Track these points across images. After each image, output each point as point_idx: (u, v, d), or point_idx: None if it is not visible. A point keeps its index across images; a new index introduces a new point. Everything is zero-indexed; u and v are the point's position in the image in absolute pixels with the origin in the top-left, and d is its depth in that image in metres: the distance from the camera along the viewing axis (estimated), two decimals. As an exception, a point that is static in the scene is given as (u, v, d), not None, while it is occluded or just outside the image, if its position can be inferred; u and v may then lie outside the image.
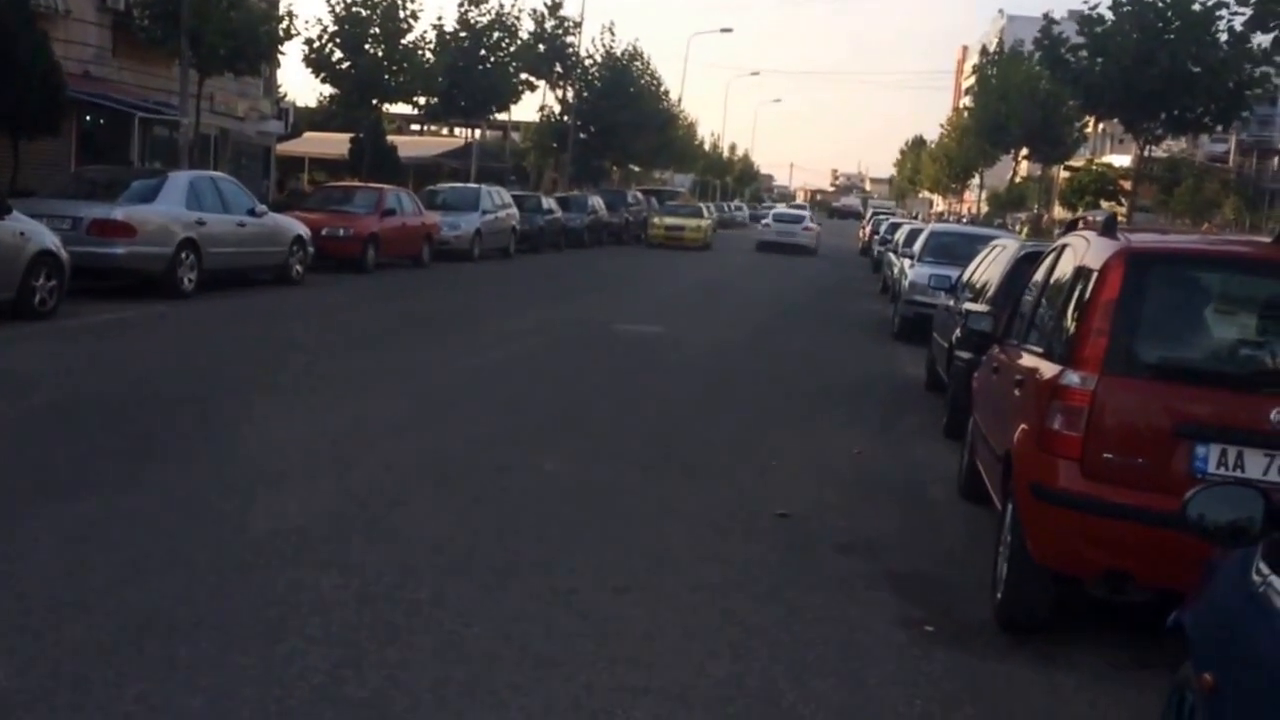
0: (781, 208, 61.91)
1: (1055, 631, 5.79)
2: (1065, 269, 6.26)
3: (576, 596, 5.68)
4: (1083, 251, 5.93)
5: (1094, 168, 59.67)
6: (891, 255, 25.48)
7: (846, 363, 15.09)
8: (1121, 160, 63.10)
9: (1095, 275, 5.53)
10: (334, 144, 38.96)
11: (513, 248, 29.90)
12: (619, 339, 15.51)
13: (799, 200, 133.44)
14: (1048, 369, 5.69)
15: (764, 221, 47.32)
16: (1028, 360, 6.23)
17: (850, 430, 10.49)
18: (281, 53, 28.75)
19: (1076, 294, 5.75)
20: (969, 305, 11.12)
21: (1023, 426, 5.79)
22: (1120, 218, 42.71)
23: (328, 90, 33.72)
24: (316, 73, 32.50)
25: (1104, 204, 57.39)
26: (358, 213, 23.06)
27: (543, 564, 6.11)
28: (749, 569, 6.34)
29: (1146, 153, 38.94)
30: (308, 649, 4.82)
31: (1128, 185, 55.78)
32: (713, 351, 14.97)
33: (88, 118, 26.56)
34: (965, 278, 12.66)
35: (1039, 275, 7.10)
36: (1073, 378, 5.37)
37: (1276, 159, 72.21)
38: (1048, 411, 5.43)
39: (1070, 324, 5.68)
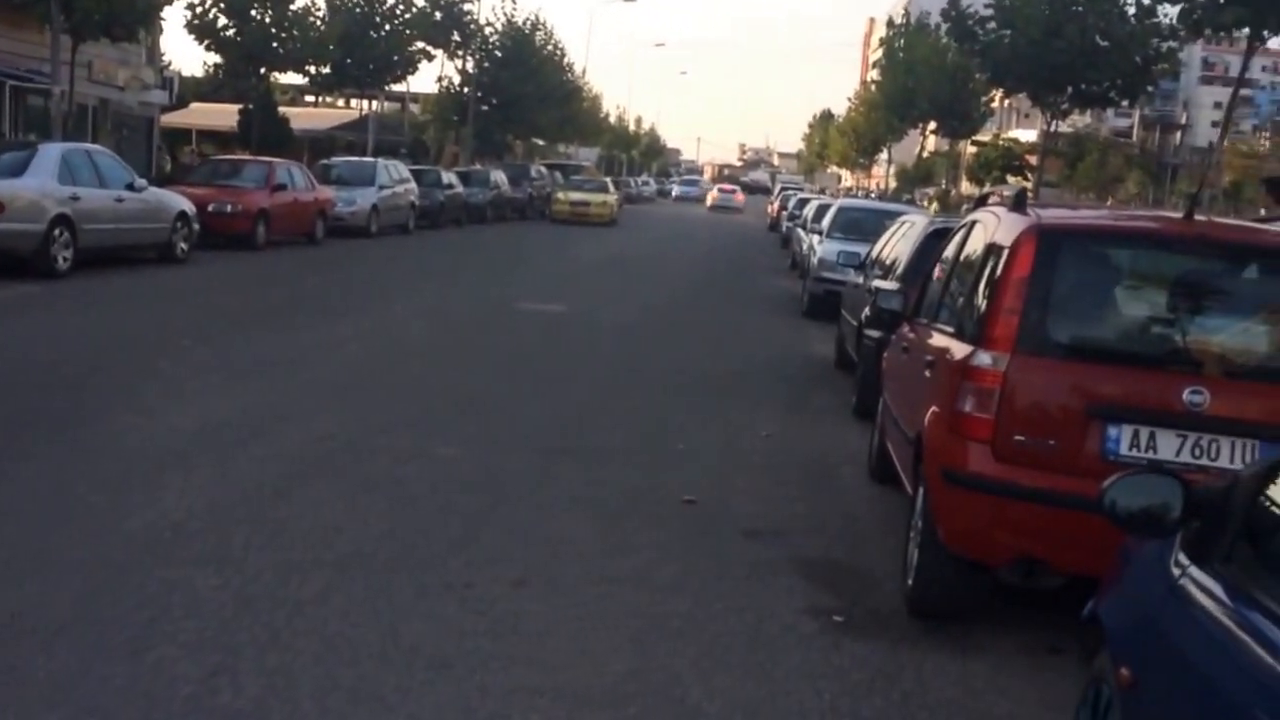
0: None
1: (967, 618, 5.66)
2: (975, 246, 6.11)
3: (472, 592, 5.41)
4: (993, 228, 5.77)
5: (1000, 143, 60.35)
6: (800, 231, 25.42)
7: (755, 342, 14.93)
8: (1027, 135, 63.89)
9: (1006, 252, 5.37)
10: (223, 115, 37.47)
11: (411, 224, 29.22)
12: (521, 319, 15.17)
13: (706, 174, 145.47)
14: (958, 349, 5.52)
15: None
16: (938, 340, 6.07)
17: (759, 412, 10.31)
18: (162, 18, 27.53)
19: (987, 272, 5.60)
20: (878, 283, 10.99)
21: (933, 409, 5.62)
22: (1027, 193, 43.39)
23: (213, 59, 32.47)
24: (200, 40, 31.11)
25: (1010, 179, 58.11)
26: (246, 187, 22.16)
27: (437, 557, 5.82)
28: (653, 558, 6.12)
29: (1053, 127, 39.40)
30: (179, 656, 4.50)
31: (1033, 160, 56.60)
32: (618, 331, 14.72)
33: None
34: (874, 254, 12.55)
35: (948, 252, 6.95)
36: (983, 358, 5.21)
37: (1178, 134, 73.70)
38: (958, 393, 5.27)
39: (981, 302, 5.51)
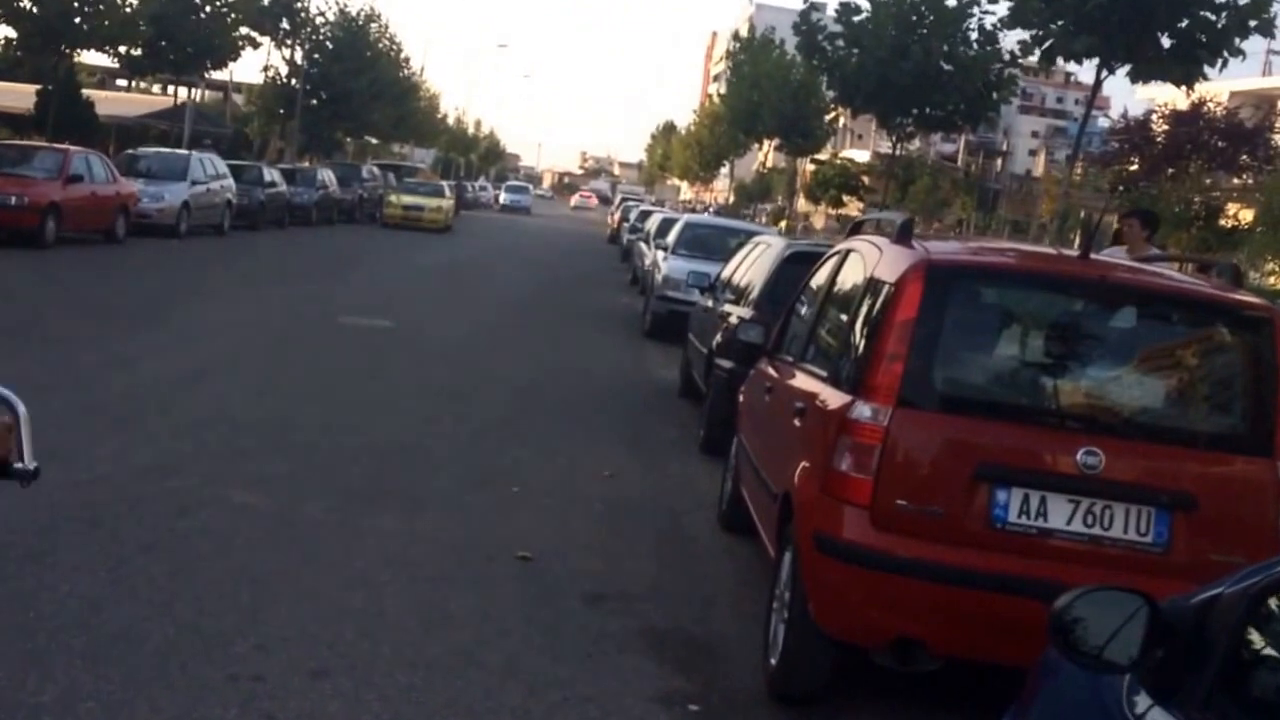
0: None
1: (835, 701, 5.00)
2: (851, 279, 5.46)
3: (262, 686, 4.50)
4: (874, 260, 5.11)
5: (838, 162, 61.01)
6: (643, 245, 24.76)
7: (594, 365, 14.16)
8: (861, 155, 64.78)
9: (889, 289, 4.72)
10: (18, 96, 34.26)
11: (227, 224, 27.36)
12: (342, 335, 14.06)
13: (546, 182, 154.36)
14: (833, 398, 4.85)
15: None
16: (808, 384, 5.40)
17: (600, 447, 9.55)
18: None
19: (865, 310, 4.94)
20: (731, 308, 10.36)
21: (804, 464, 4.94)
22: (857, 213, 43.36)
23: (6, 32, 29.09)
24: None
25: (846, 199, 58.65)
26: (35, 177, 19.86)
27: (221, 639, 4.88)
28: (481, 634, 5.28)
29: (898, 150, 39.64)
30: None
31: (868, 180, 57.29)
32: (447, 350, 13.78)
33: None
34: (725, 276, 11.92)
35: (817, 281, 6.30)
36: (863, 410, 4.54)
37: (999, 160, 75.66)
38: (834, 449, 4.60)
39: (859, 345, 4.86)
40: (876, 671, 4.87)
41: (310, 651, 4.84)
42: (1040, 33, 24.27)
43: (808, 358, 5.77)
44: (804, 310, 6.49)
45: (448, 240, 36.15)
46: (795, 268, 9.43)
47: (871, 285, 4.96)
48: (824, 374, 5.20)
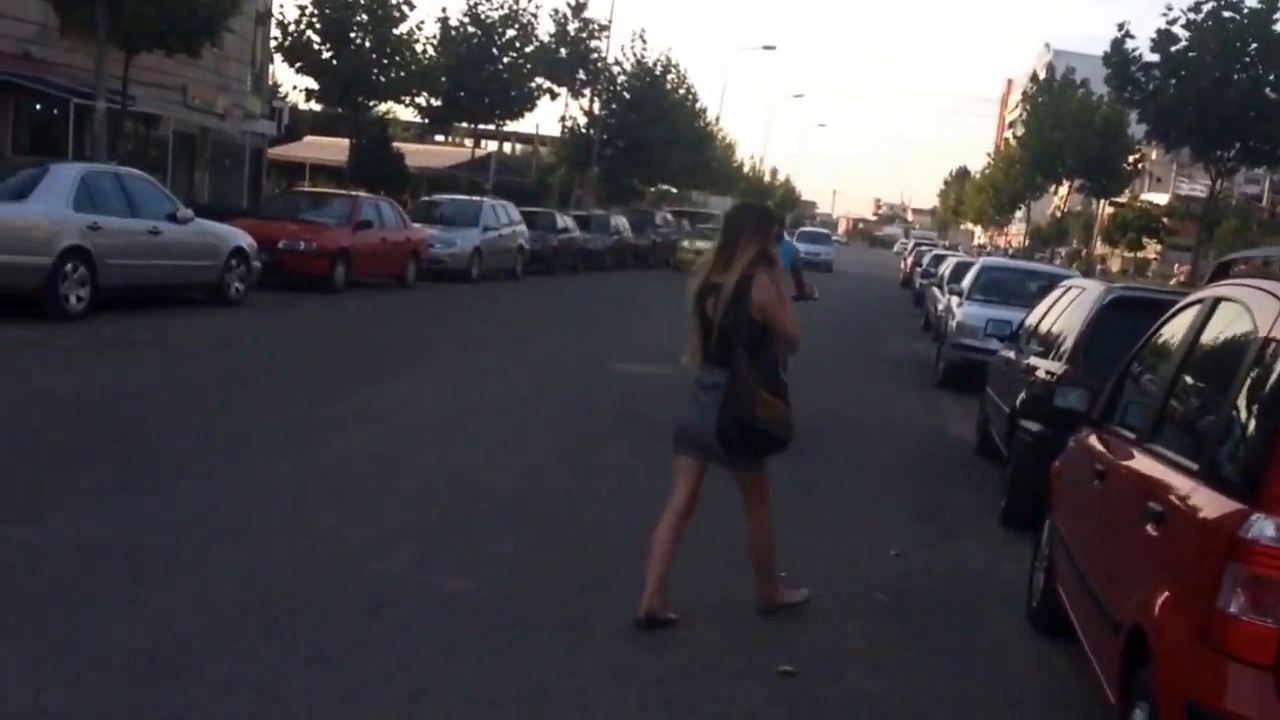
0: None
1: None
2: (1229, 336, 4.02)
3: None
4: (1271, 314, 3.66)
5: (1139, 204, 57.32)
6: (936, 290, 23.19)
7: (882, 415, 12.77)
8: (1159, 199, 60.88)
9: None
10: (336, 150, 35.98)
11: (520, 269, 27.49)
12: (611, 383, 13.21)
13: (840, 228, 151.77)
14: (1212, 504, 3.45)
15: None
16: (1166, 476, 3.98)
17: (884, 515, 8.24)
18: (229, 29, 24.67)
19: (1260, 381, 3.51)
20: (1039, 361, 8.85)
21: (1166, 594, 3.54)
22: (1153, 257, 39.97)
23: (308, 83, 29.66)
24: (291, 62, 28.76)
25: (1145, 241, 55.03)
26: (326, 223, 20.11)
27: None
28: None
29: (1218, 186, 36.30)
30: None
31: (1168, 222, 53.46)
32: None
33: (37, 106, 23.74)
34: (1030, 324, 10.39)
35: (1170, 337, 4.85)
36: (1264, 527, 3.13)
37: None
38: (1219, 580, 3.20)
39: (1253, 431, 3.44)
40: None
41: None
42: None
43: (1160, 438, 4.34)
44: (1148, 374, 5.04)
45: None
46: (1118, 315, 7.96)
47: (1268, 349, 3.53)
48: (1191, 465, 3.77)
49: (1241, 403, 3.55)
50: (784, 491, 8.54)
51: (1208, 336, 4.27)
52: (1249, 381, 3.55)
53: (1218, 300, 4.31)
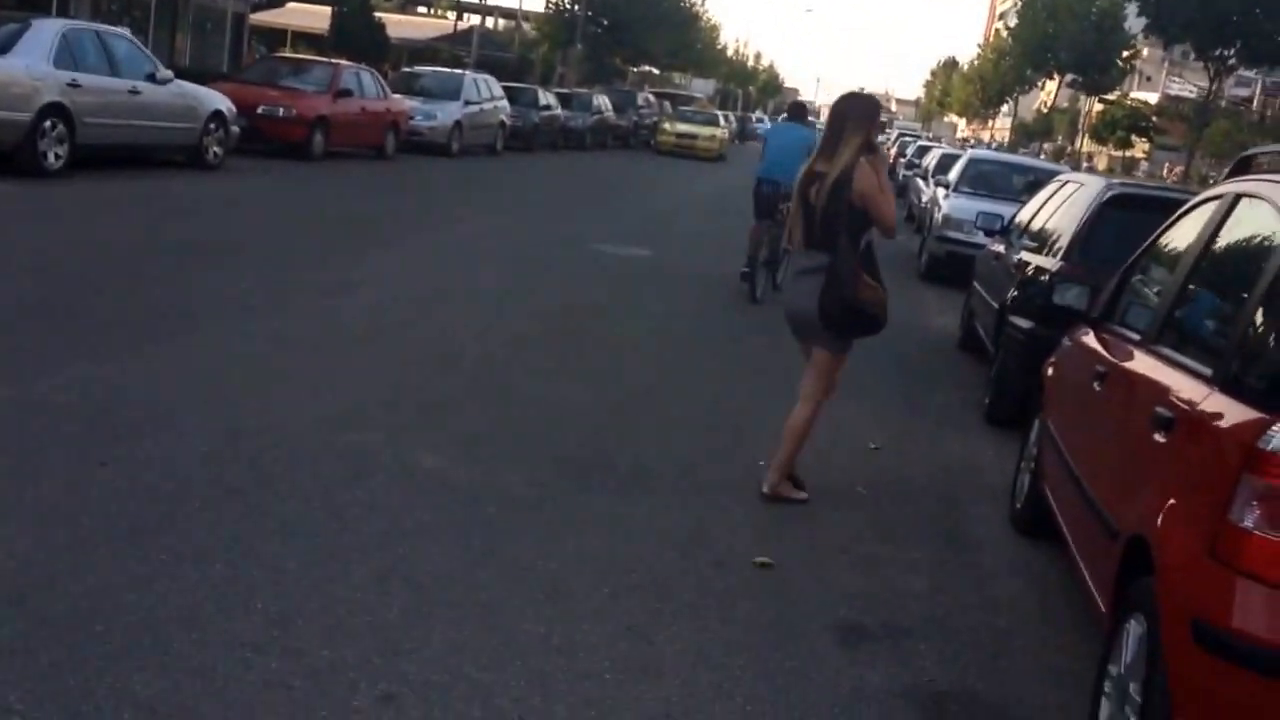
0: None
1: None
2: (1250, 236, 3.79)
3: None
4: (1302, 210, 3.43)
5: (1129, 102, 56.70)
6: (920, 182, 22.84)
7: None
8: (1149, 97, 60.32)
9: None
10: (318, 18, 35.43)
11: (500, 145, 26.95)
12: (594, 264, 12.95)
13: (823, 118, 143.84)
14: (1229, 411, 3.25)
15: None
16: (1176, 381, 3.78)
17: (867, 409, 8.07)
18: None
19: (1285, 283, 3.29)
20: (1031, 257, 8.64)
21: (1172, 503, 3.37)
22: (1141, 156, 39.71)
23: None
24: None
25: (1134, 140, 54.64)
26: (305, 91, 19.64)
27: (340, 679, 3.73)
28: (690, 683, 3.95)
29: (1214, 86, 35.78)
30: None
31: (1157, 121, 53.02)
32: (706, 286, 12.44)
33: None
34: (1021, 219, 10.16)
35: (1182, 236, 4.62)
36: None
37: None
38: (1233, 492, 3.01)
39: (1277, 336, 3.23)
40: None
41: (454, 717, 3.62)
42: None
43: (1169, 341, 4.14)
44: (1157, 274, 4.82)
45: (720, 169, 34.94)
46: (1118, 212, 7.76)
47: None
48: (1205, 371, 3.57)
49: (1266, 305, 3.33)
50: (763, 377, 8.44)
51: (1227, 234, 4.04)
52: (1274, 282, 3.33)
53: (1238, 196, 4.07)
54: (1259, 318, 3.35)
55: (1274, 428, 2.95)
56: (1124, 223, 7.29)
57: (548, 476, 5.82)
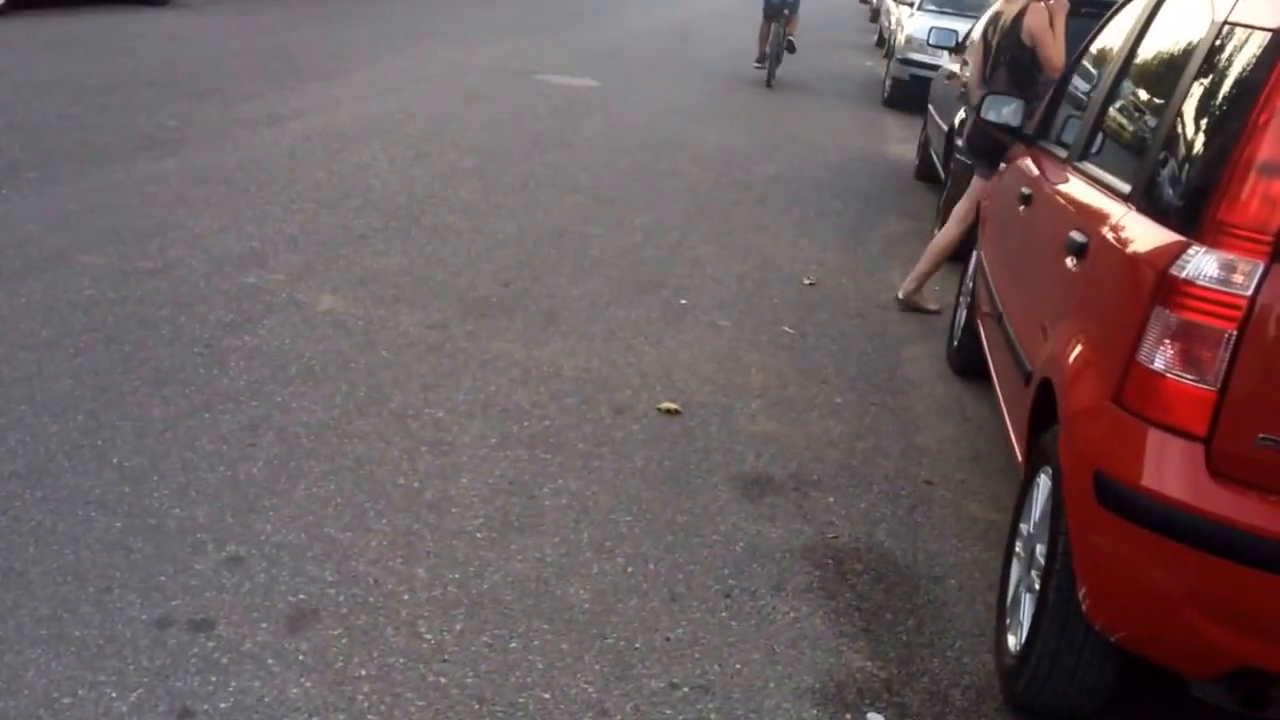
0: None
1: None
2: (1180, 26, 3.32)
3: (209, 637, 3.00)
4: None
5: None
6: (890, 2, 21.97)
7: (820, 136, 12.03)
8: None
9: (1271, 43, 2.63)
10: None
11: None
12: (537, 95, 12.32)
13: None
14: (1144, 233, 2.85)
15: None
16: (1094, 200, 3.38)
17: (806, 241, 7.69)
18: None
19: (1213, 83, 2.86)
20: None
21: (1080, 341, 3.00)
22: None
23: None
24: None
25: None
26: None
27: (188, 540, 3.41)
28: (572, 543, 3.65)
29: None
30: None
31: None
32: (653, 119, 11.84)
33: None
34: (975, 33, 9.57)
35: (1113, 34, 4.15)
36: (1205, 264, 2.54)
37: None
38: (1144, 328, 2.63)
39: (1199, 145, 2.82)
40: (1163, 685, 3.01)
41: (303, 581, 3.31)
42: None
43: (1092, 155, 3.72)
44: (1087, 82, 4.37)
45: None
46: (1073, 20, 7.18)
47: (1225, 36, 2.87)
48: (1124, 188, 3.17)
49: (1188, 108, 2.90)
50: (699, 216, 8.01)
51: (1155, 30, 3.57)
52: (1198, 81, 2.90)
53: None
54: (1179, 125, 2.92)
55: (1190, 250, 2.56)
56: (1080, 31, 6.77)
57: (452, 317, 5.46)
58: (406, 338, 5.13)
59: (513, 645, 3.11)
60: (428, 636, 3.10)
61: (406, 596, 3.26)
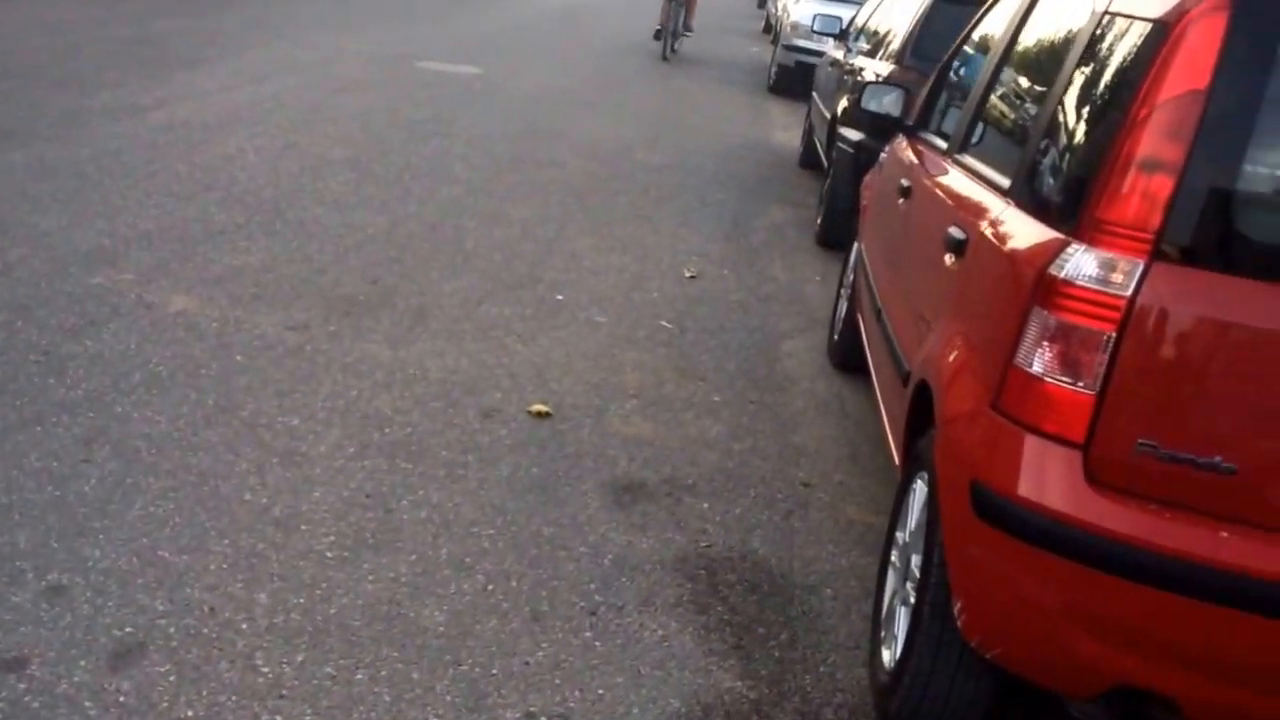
0: None
1: None
2: (1062, 15, 3.19)
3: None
4: (1115, -18, 2.84)
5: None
6: (777, -13, 21.97)
7: (704, 124, 11.89)
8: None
9: (1151, 33, 2.49)
10: None
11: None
12: (415, 83, 11.99)
13: None
14: (1023, 230, 2.70)
15: None
16: (973, 194, 3.24)
17: (686, 234, 7.52)
18: None
19: (1094, 73, 2.72)
20: (865, 62, 8.04)
21: (958, 344, 2.85)
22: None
23: None
24: None
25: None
26: None
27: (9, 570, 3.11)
28: (430, 564, 3.42)
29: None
30: None
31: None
32: (534, 105, 11.61)
33: None
34: (861, 20, 9.51)
35: (994, 22, 4.03)
36: (1084, 263, 2.39)
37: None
38: (1022, 327, 2.47)
39: (1079, 139, 2.67)
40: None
41: (131, 612, 3.04)
42: None
43: (973, 147, 3.59)
44: (966, 70, 4.24)
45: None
46: (959, 9, 7.13)
47: (1106, 26, 2.73)
48: (1004, 183, 3.02)
49: (1068, 100, 2.76)
50: (577, 208, 7.80)
51: (1037, 17, 3.43)
52: (1078, 72, 2.76)
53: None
54: (1058, 118, 2.78)
55: (1068, 249, 2.42)
56: (964, 21, 6.69)
57: (314, 317, 5.18)
58: (264, 340, 4.84)
59: (358, 676, 2.88)
60: (265, 670, 2.85)
61: (245, 626, 3.01)
